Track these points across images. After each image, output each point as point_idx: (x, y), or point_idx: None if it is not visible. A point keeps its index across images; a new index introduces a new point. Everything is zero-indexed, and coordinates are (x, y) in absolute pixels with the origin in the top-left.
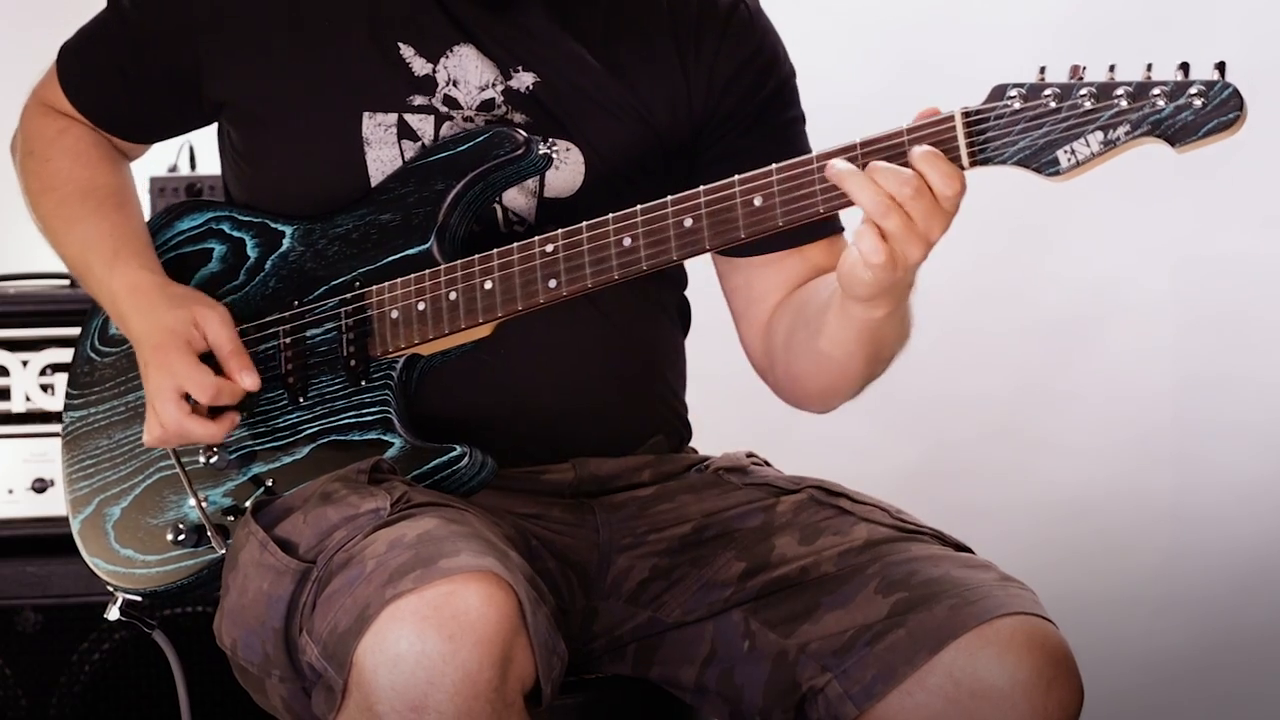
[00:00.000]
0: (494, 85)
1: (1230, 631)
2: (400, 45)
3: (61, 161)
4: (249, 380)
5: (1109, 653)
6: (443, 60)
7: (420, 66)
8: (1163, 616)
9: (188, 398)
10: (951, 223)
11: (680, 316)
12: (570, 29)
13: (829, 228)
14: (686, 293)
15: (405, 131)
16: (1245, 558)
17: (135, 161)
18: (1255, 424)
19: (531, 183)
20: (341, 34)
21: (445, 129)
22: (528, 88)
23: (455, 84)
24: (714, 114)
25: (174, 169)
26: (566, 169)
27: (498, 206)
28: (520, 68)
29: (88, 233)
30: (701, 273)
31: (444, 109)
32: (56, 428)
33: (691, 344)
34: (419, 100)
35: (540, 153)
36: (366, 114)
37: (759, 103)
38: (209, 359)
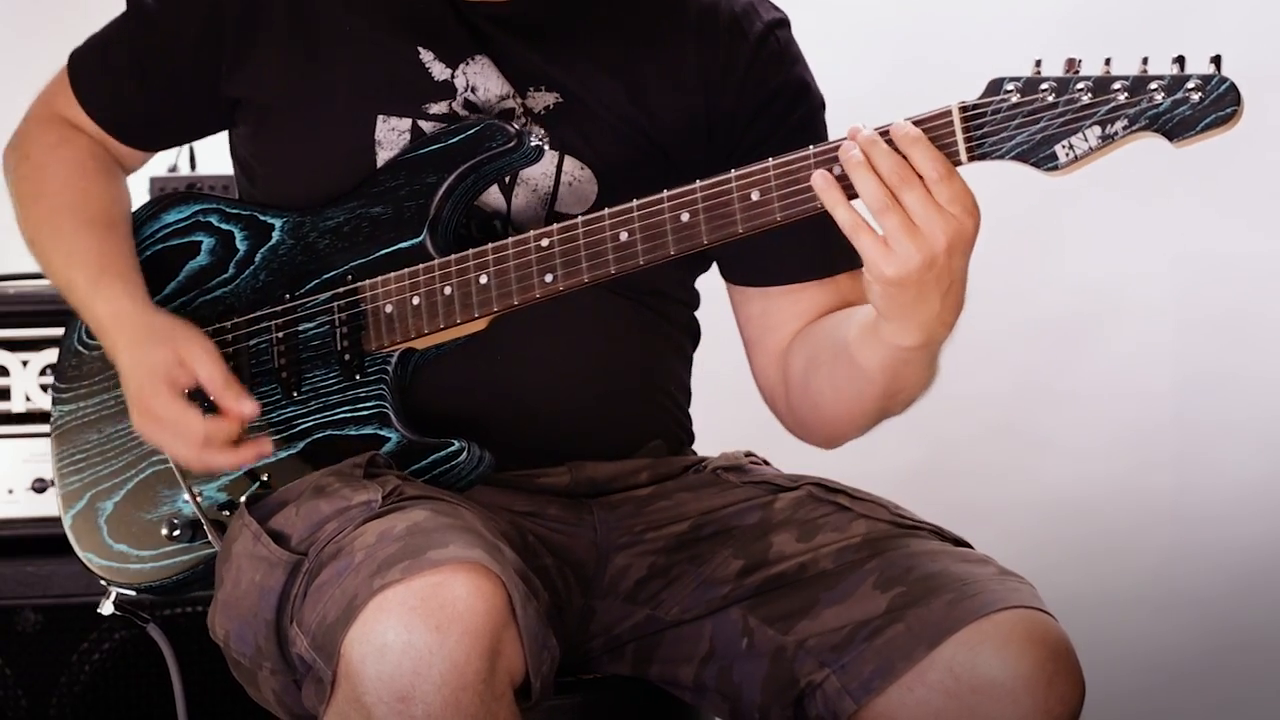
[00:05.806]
0: (512, 98)
1: (1230, 631)
2: (420, 50)
3: (57, 169)
4: (249, 407)
5: (1109, 653)
6: (462, 66)
7: (439, 71)
8: (1163, 616)
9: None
10: (962, 233)
11: (688, 334)
12: (591, 49)
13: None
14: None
15: (419, 137)
16: (1245, 558)
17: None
18: (1255, 424)
19: (541, 202)
20: (360, 36)
21: None
22: (546, 108)
23: (475, 90)
24: (738, 144)
25: (174, 169)
26: (579, 187)
27: (498, 224)
28: (541, 87)
29: (74, 247)
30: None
31: (465, 114)
32: None
33: None
34: (435, 108)
35: (532, 144)
36: (381, 117)
37: (785, 133)
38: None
